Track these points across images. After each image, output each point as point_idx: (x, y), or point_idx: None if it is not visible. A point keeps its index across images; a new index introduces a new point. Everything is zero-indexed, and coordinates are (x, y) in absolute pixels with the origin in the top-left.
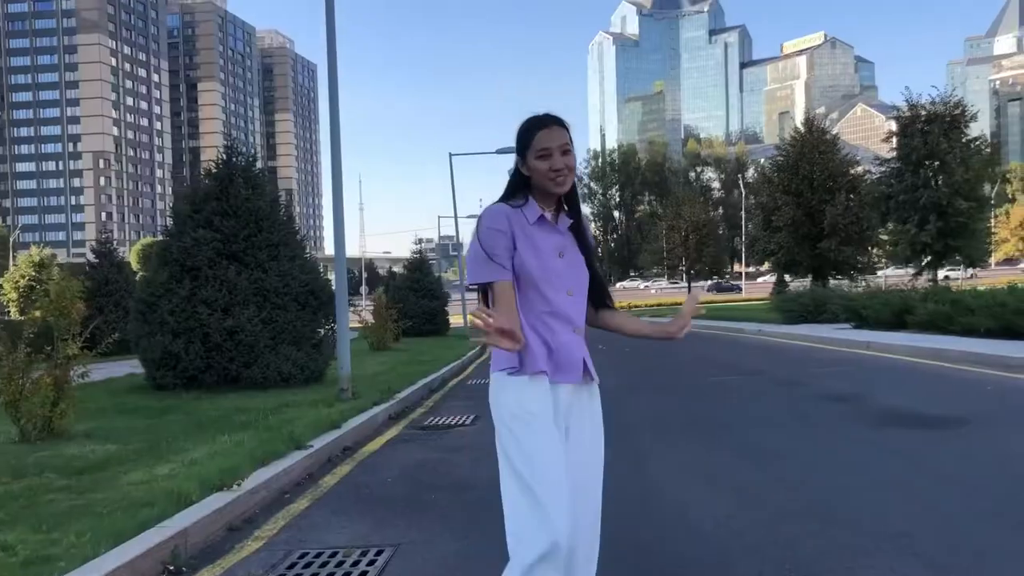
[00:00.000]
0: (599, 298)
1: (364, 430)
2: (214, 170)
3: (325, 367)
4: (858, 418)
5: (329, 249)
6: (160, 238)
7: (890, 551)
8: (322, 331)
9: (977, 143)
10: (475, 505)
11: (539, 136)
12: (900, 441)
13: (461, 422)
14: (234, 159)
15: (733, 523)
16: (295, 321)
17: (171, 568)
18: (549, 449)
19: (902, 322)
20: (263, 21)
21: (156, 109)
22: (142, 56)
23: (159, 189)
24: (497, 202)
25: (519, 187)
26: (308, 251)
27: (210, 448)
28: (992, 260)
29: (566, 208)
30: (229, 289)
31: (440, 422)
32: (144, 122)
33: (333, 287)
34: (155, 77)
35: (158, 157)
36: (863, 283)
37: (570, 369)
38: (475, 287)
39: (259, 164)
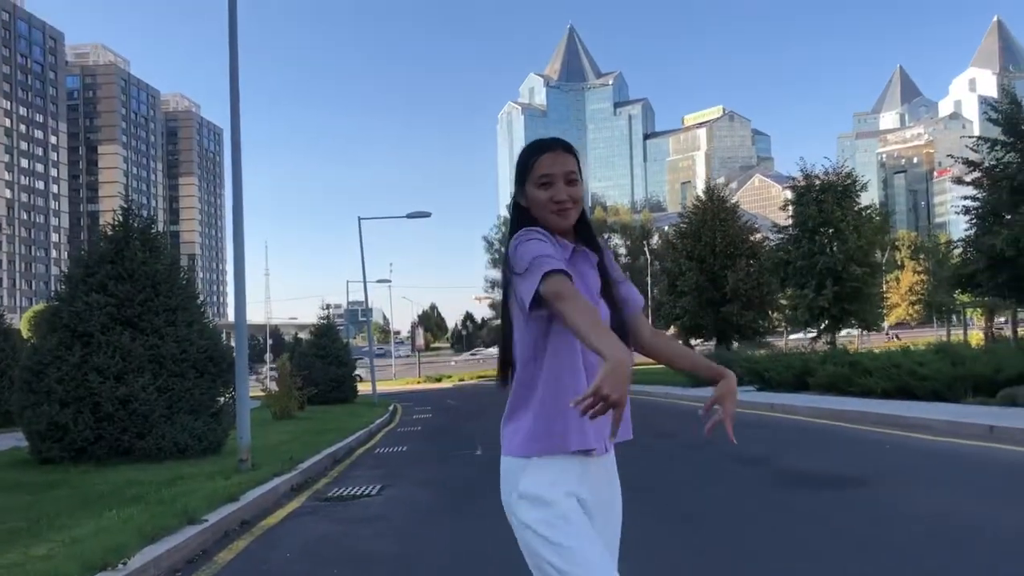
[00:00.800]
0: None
1: (264, 502)
2: (110, 232)
3: (224, 437)
4: (768, 480)
5: (232, 316)
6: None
7: None
8: (221, 400)
9: (868, 211)
10: None
11: (541, 161)
12: (807, 502)
13: (367, 492)
14: (131, 221)
15: None
16: (193, 389)
17: None
18: (591, 546)
19: (803, 384)
20: (168, 85)
21: (53, 172)
22: (39, 117)
23: (54, 254)
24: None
25: (523, 222)
26: (210, 317)
27: (95, 525)
28: (885, 324)
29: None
30: (123, 356)
31: (345, 493)
32: (40, 185)
33: (234, 353)
34: (52, 139)
35: (53, 221)
36: (766, 347)
37: (600, 436)
38: (531, 309)
39: (160, 227)
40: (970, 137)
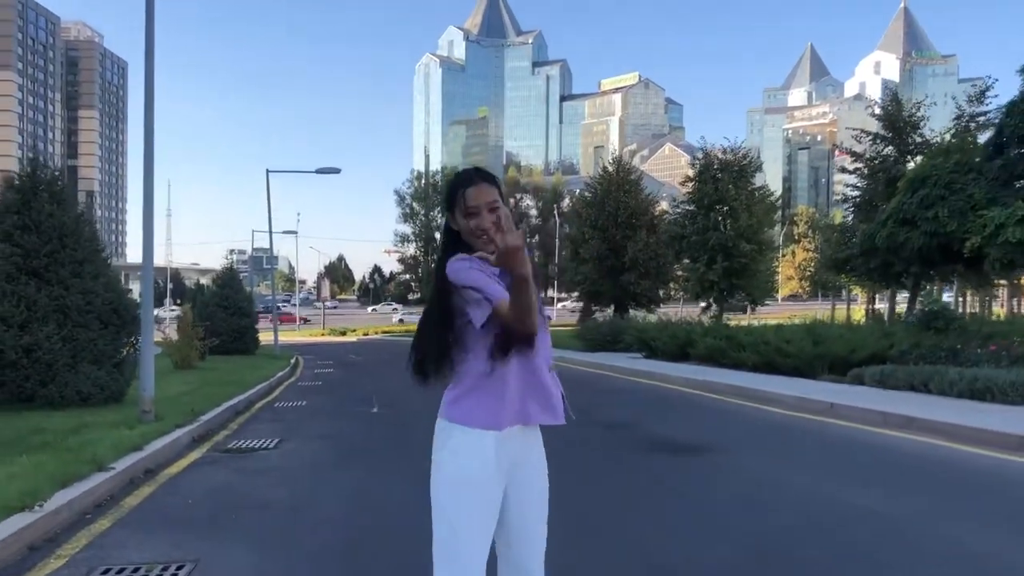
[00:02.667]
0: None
1: (167, 452)
2: (16, 182)
3: (126, 387)
4: (627, 445)
5: (132, 256)
6: None
7: (621, 559)
8: (124, 351)
9: (761, 191)
10: (271, 523)
11: (466, 194)
12: (654, 465)
13: (264, 445)
14: (39, 172)
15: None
16: (97, 340)
17: None
18: (464, 515)
19: (685, 354)
20: (70, 12)
21: None
22: None
23: None
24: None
25: (453, 243)
26: (109, 258)
27: (8, 470)
28: (779, 296)
29: None
30: (28, 305)
31: (244, 445)
32: None
33: (138, 299)
34: None
35: None
36: (659, 315)
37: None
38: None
39: (56, 165)
40: (852, 129)
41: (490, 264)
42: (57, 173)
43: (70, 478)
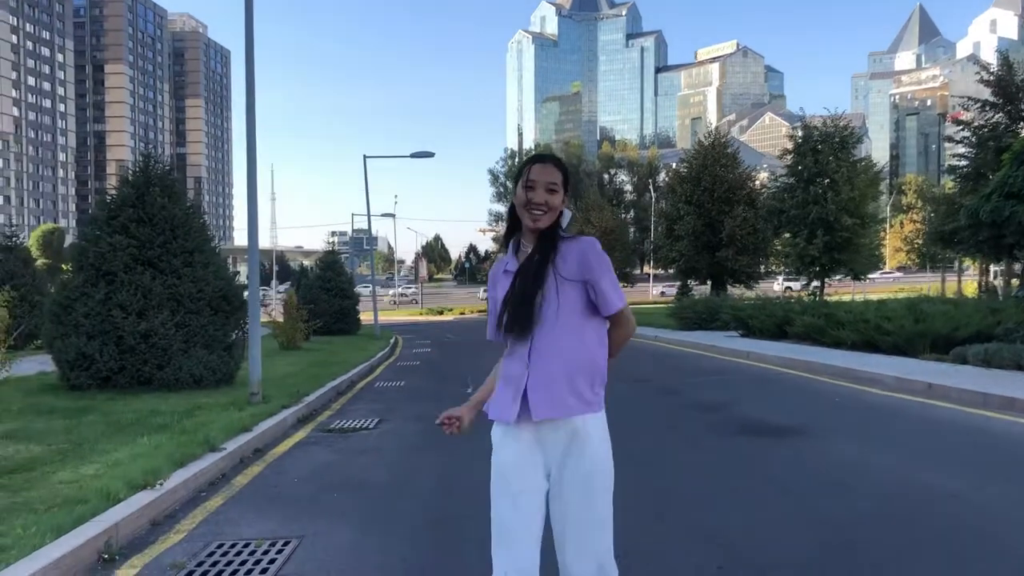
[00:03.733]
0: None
1: (273, 433)
2: (131, 177)
3: (236, 369)
4: (716, 427)
5: (238, 240)
6: (61, 225)
7: (700, 544)
8: (234, 335)
9: (864, 162)
10: (371, 502)
11: (531, 169)
12: (744, 449)
13: (365, 426)
14: (152, 167)
15: None
16: (208, 325)
17: (105, 556)
18: (502, 502)
19: (783, 332)
20: (175, 4)
21: (60, 90)
22: (46, 35)
23: (61, 173)
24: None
25: (510, 226)
26: (217, 242)
27: (131, 450)
28: (888, 268)
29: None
30: (144, 294)
31: (345, 425)
32: (47, 103)
33: (245, 281)
34: (59, 57)
35: (61, 140)
36: (757, 291)
37: (500, 411)
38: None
39: (166, 153)
40: (959, 97)
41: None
42: (168, 168)
43: (186, 458)
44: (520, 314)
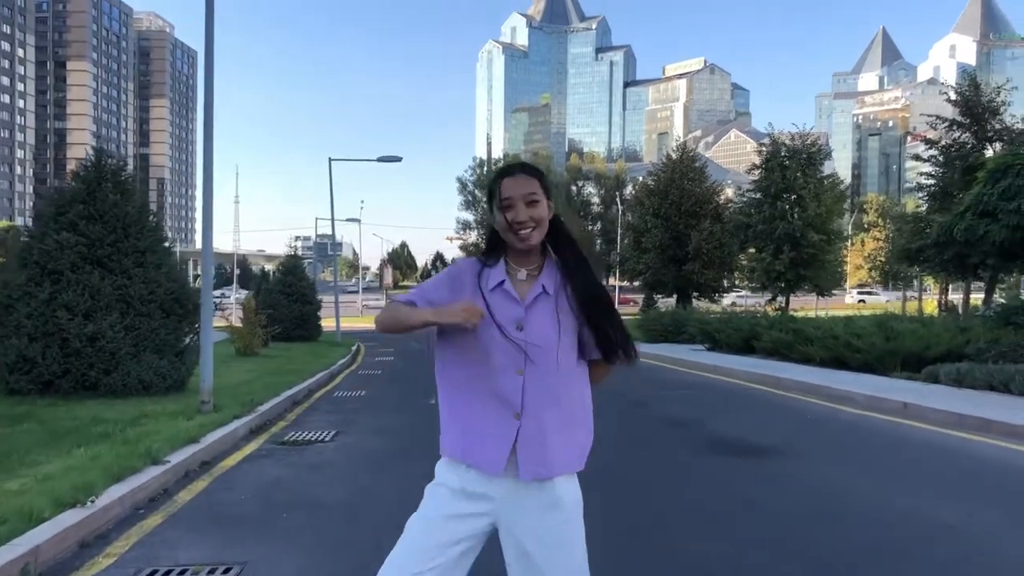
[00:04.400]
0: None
1: (223, 444)
2: (81, 172)
3: (188, 376)
4: (688, 444)
5: (200, 243)
6: (17, 223)
7: (677, 569)
8: (187, 340)
9: (831, 179)
10: (325, 525)
11: (502, 185)
12: (717, 469)
13: (321, 438)
14: (104, 162)
15: None
16: (159, 329)
17: None
18: (410, 541)
19: (750, 347)
20: (142, 3)
21: (20, 86)
22: (6, 28)
23: (19, 170)
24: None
25: (495, 244)
26: (177, 244)
27: (64, 462)
28: (847, 286)
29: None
30: (92, 294)
31: (301, 437)
32: (5, 99)
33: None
34: (20, 52)
35: (19, 137)
36: (724, 305)
37: (483, 458)
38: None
39: (129, 153)
40: (927, 116)
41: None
42: (121, 163)
43: (125, 472)
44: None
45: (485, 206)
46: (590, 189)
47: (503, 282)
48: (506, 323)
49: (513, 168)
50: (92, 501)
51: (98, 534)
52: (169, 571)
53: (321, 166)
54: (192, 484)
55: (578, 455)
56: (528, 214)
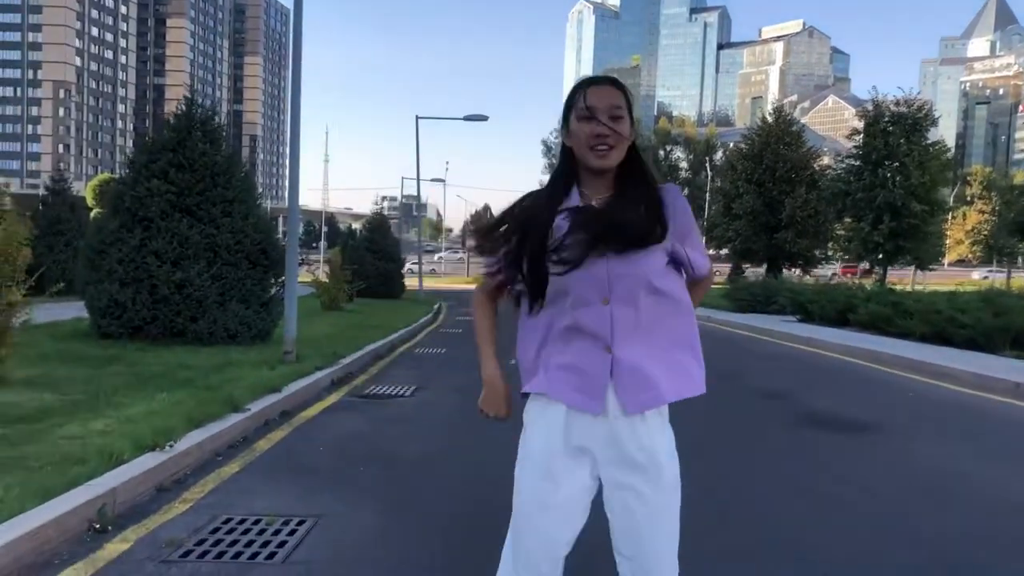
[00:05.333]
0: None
1: (304, 395)
2: (172, 121)
3: (273, 326)
4: (782, 417)
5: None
6: (118, 175)
7: (772, 556)
8: (272, 290)
9: (936, 147)
10: (399, 481)
11: (587, 93)
12: (813, 444)
13: (401, 393)
14: (194, 111)
15: None
16: (245, 279)
17: (96, 527)
18: (531, 499)
19: (845, 320)
20: None
21: (122, 42)
22: None
23: (120, 125)
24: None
25: (565, 171)
26: (267, 201)
27: (148, 406)
28: (945, 261)
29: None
30: (180, 242)
31: (381, 391)
32: (108, 54)
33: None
34: (122, 9)
35: (121, 92)
36: (818, 275)
37: (585, 395)
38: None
39: (223, 111)
40: None
41: None
42: (210, 112)
43: (205, 418)
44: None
45: (551, 156)
46: (679, 154)
47: (577, 203)
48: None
49: (599, 78)
50: (171, 446)
51: (176, 479)
52: (243, 520)
53: (409, 126)
54: (271, 433)
55: (688, 379)
56: (611, 128)
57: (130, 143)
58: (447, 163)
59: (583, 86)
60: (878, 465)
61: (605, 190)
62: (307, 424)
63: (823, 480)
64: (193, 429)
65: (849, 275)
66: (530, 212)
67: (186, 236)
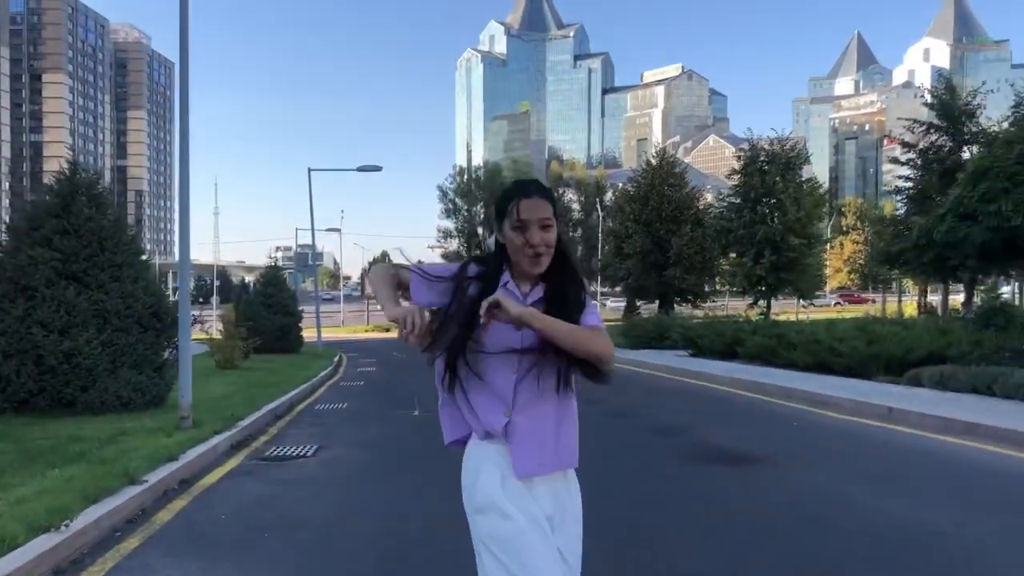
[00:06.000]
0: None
1: (203, 461)
2: (55, 186)
3: (167, 391)
4: (674, 453)
5: (178, 255)
6: None
7: None
8: (165, 354)
9: (810, 183)
10: (305, 545)
11: (520, 206)
12: (705, 479)
13: (303, 453)
14: (78, 175)
15: None
16: (137, 344)
17: None
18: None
19: (734, 352)
20: (118, 14)
21: None
22: None
23: None
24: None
25: (499, 264)
26: (156, 257)
27: (39, 484)
28: (827, 290)
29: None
30: (67, 310)
31: (282, 452)
32: None
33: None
34: None
35: None
36: (706, 310)
37: (530, 459)
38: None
39: (107, 166)
40: (903, 120)
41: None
42: (95, 175)
43: (101, 493)
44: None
45: (465, 213)
46: (571, 196)
47: (507, 283)
48: (506, 327)
49: (529, 188)
50: (67, 525)
51: (73, 559)
52: None
53: (300, 177)
54: (171, 503)
55: (572, 452)
56: (541, 238)
57: (6, 203)
58: (342, 212)
59: (515, 195)
60: (765, 494)
61: (533, 280)
62: (207, 492)
63: (711, 509)
64: (89, 506)
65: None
66: (469, 304)
67: (73, 304)
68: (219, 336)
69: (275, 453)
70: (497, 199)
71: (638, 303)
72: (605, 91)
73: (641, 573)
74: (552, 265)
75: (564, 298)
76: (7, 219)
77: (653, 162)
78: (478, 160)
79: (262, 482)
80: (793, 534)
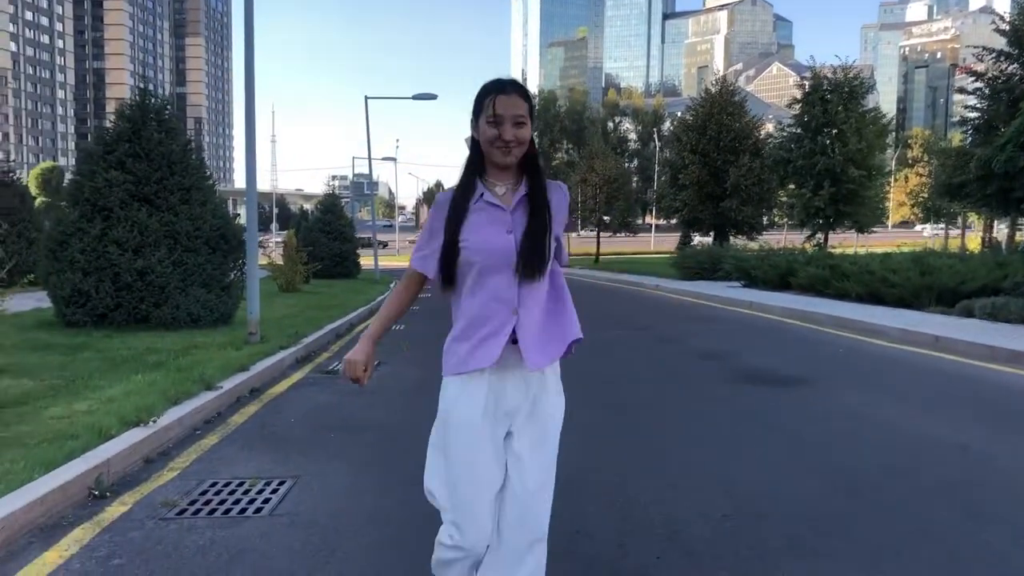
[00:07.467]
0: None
1: (271, 373)
2: (126, 112)
3: (234, 309)
4: (719, 376)
5: (239, 182)
6: (60, 163)
7: (704, 492)
8: (232, 274)
9: (873, 113)
10: (367, 445)
11: (495, 101)
12: (748, 398)
13: None
14: (148, 101)
15: (588, 474)
16: (205, 264)
17: (96, 493)
18: (467, 458)
19: (787, 283)
20: None
21: (58, 26)
22: None
23: (60, 111)
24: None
25: (473, 159)
26: (216, 183)
27: (125, 387)
28: (889, 223)
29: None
30: (140, 231)
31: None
32: (45, 39)
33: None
34: None
35: (59, 77)
36: (761, 243)
37: (485, 354)
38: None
39: (167, 93)
40: (974, 48)
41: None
42: (164, 103)
43: (181, 396)
44: (539, 256)
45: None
46: (627, 125)
47: (483, 194)
48: (494, 230)
49: (506, 86)
50: (154, 421)
51: (160, 451)
52: (228, 483)
53: (358, 105)
54: (244, 408)
55: (573, 325)
56: (513, 134)
57: (71, 129)
58: (397, 141)
59: (492, 91)
60: (801, 413)
61: (505, 178)
62: (276, 399)
63: (750, 426)
64: (171, 406)
65: None
66: (439, 217)
67: (146, 224)
68: (280, 261)
69: (337, 367)
70: (476, 97)
71: (693, 234)
72: (666, 16)
73: (680, 477)
74: (526, 168)
75: (545, 195)
76: (73, 145)
77: (712, 90)
78: (533, 88)
79: (327, 392)
80: (823, 448)
